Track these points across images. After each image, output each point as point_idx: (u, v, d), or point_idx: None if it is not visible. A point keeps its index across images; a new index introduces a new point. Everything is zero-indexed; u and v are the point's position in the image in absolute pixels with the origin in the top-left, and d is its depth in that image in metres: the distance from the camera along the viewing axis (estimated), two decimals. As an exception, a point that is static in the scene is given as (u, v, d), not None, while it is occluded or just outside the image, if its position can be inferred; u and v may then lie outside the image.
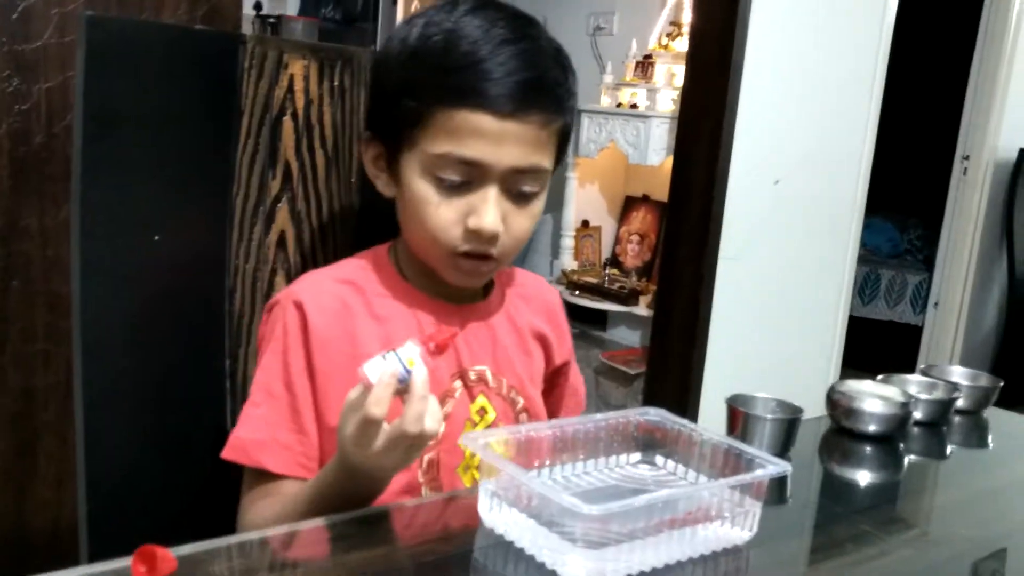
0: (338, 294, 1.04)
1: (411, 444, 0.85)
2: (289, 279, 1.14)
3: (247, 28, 3.99)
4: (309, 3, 4.38)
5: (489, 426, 1.08)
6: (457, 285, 1.07)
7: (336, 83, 1.16)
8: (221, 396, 1.11)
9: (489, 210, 0.98)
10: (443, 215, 0.99)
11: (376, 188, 1.08)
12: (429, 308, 1.07)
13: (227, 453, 1.00)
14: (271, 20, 4.09)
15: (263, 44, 1.10)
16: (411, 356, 0.84)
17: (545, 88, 0.98)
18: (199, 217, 1.10)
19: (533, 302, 1.18)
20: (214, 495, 1.08)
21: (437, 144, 0.97)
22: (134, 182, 1.04)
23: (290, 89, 1.13)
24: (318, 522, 0.87)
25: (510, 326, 1.13)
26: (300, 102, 1.14)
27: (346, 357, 0.99)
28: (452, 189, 0.98)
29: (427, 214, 1.00)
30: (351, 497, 0.91)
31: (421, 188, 1.00)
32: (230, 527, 0.99)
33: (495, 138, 0.96)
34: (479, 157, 0.96)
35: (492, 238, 1.00)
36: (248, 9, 4.04)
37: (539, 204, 1.04)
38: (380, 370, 0.83)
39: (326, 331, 1.02)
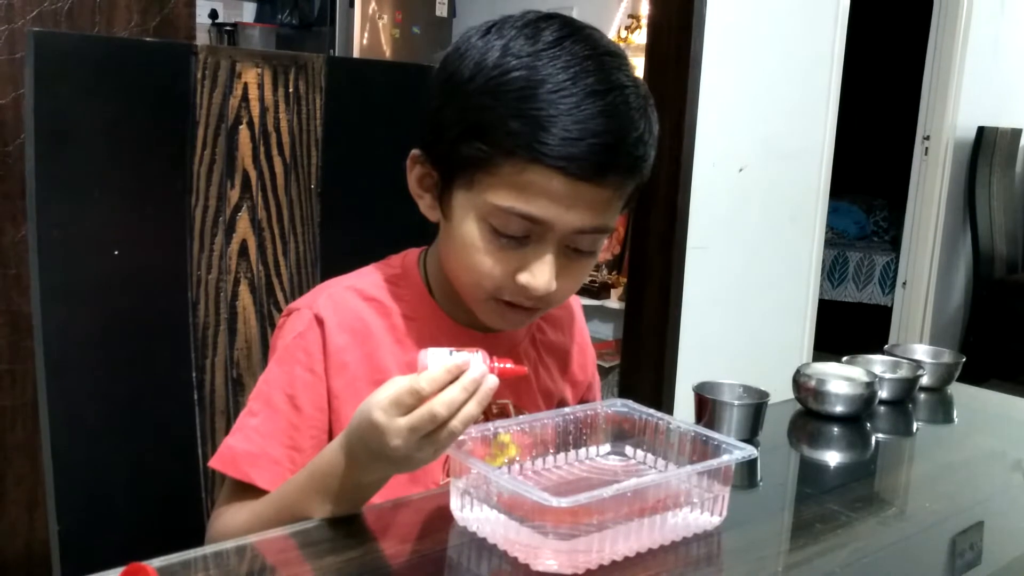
0: (361, 314, 1.00)
1: (430, 436, 0.78)
2: (252, 288, 1.14)
3: (203, 37, 3.97)
4: (265, 9, 4.36)
5: (510, 459, 0.96)
6: (492, 327, 1.02)
7: (291, 90, 1.16)
8: (189, 408, 1.11)
9: (544, 271, 0.91)
10: (492, 265, 0.92)
11: (417, 206, 1.00)
12: (456, 336, 1.01)
13: (215, 462, 0.96)
14: (227, 28, 4.06)
15: (215, 54, 1.10)
16: (477, 363, 0.81)
17: (626, 150, 0.88)
18: (158, 230, 1.09)
19: (554, 317, 1.13)
20: (184, 508, 1.07)
21: (500, 196, 0.88)
22: (90, 197, 1.03)
23: (244, 98, 1.12)
24: (292, 528, 0.86)
25: (534, 352, 1.10)
26: (255, 110, 1.13)
27: (365, 382, 0.96)
28: (507, 241, 0.91)
29: (475, 260, 0.92)
30: (333, 493, 0.85)
31: (472, 233, 0.92)
32: (201, 539, 0.98)
33: (564, 199, 0.87)
34: (544, 216, 0.88)
35: (542, 297, 0.93)
36: (203, 18, 4.01)
37: (595, 259, 0.96)
38: (444, 360, 0.79)
39: (346, 352, 0.97)
